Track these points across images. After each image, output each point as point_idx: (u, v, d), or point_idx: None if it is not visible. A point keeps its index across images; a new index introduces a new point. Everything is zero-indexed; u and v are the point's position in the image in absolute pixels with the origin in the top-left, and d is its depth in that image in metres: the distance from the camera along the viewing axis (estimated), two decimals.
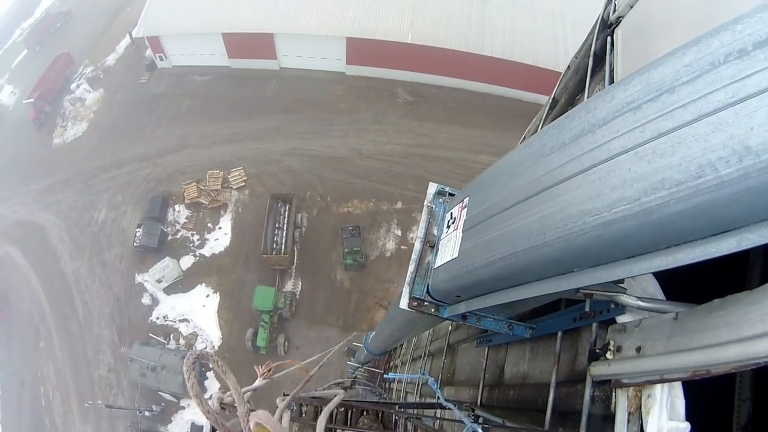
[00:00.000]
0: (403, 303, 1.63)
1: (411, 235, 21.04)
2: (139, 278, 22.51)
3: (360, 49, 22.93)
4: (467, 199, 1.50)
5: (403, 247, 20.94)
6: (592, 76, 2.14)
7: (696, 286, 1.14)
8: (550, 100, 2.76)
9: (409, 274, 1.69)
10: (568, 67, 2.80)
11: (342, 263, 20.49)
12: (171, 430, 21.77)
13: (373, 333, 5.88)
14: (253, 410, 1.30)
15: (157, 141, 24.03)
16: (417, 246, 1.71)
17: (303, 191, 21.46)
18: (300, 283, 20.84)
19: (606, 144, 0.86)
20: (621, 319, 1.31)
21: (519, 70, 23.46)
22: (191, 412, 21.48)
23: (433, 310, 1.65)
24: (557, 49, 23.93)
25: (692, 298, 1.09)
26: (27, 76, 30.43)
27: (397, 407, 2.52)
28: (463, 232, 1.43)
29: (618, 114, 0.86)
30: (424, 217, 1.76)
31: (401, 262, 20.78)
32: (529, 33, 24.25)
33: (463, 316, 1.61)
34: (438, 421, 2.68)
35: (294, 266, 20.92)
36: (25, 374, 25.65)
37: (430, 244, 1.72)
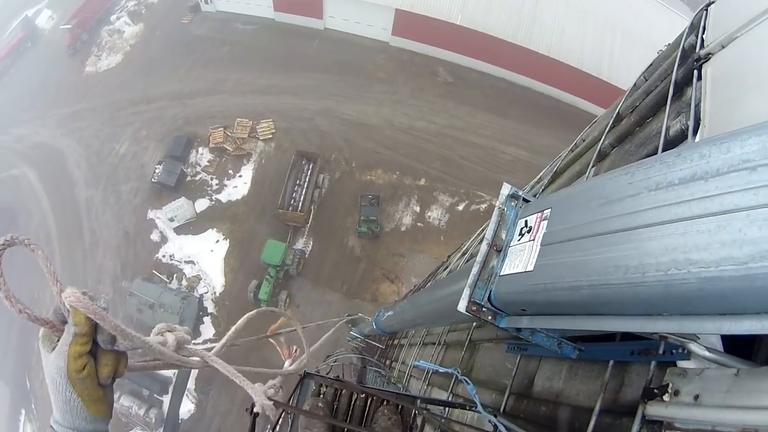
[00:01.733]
0: (462, 305, 1.57)
1: (429, 214, 20.82)
2: (151, 214, 22.40)
3: (407, 22, 22.69)
4: (549, 211, 1.43)
5: (419, 224, 20.71)
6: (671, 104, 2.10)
7: (755, 345, 1.13)
8: (614, 115, 2.66)
9: (471, 275, 1.61)
10: (635, 86, 2.77)
11: (356, 230, 20.30)
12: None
13: (390, 312, 5.61)
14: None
15: (190, 82, 23.88)
16: (483, 248, 1.63)
17: (329, 153, 21.26)
18: (311, 242, 20.66)
19: (719, 197, 0.84)
20: (683, 364, 1.29)
21: (562, 70, 23.18)
22: None
23: (490, 317, 1.60)
24: (603, 56, 23.65)
25: (750, 356, 1.09)
26: (67, 3, 30.36)
27: (419, 402, 2.40)
28: (541, 245, 1.37)
29: (733, 169, 0.84)
30: (494, 219, 1.69)
31: (415, 239, 20.57)
32: (577, 36, 23.93)
33: (517, 329, 1.58)
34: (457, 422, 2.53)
35: (308, 225, 20.74)
36: (21, 295, 25.34)
37: (497, 248, 1.64)
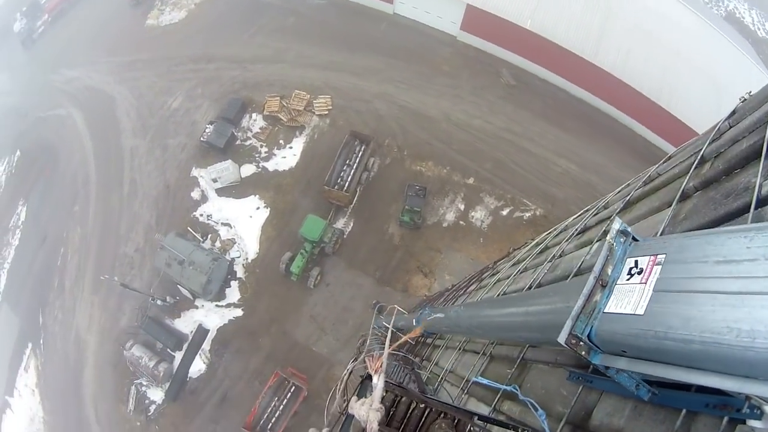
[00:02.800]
0: (562, 337, 1.57)
1: (472, 214, 20.61)
2: (195, 172, 22.46)
3: (477, 19, 22.53)
4: (663, 256, 1.45)
5: (461, 222, 20.51)
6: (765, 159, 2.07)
7: None
8: (699, 158, 2.62)
9: (576, 307, 1.60)
10: (718, 130, 2.71)
11: (398, 219, 20.14)
12: (177, 324, 21.69)
13: (440, 315, 5.39)
14: None
15: (253, 48, 23.93)
16: (590, 281, 1.63)
17: (383, 137, 21.14)
18: (352, 224, 20.55)
19: None
20: (753, 423, 1.32)
21: (623, 91, 22.90)
22: (202, 314, 21.39)
23: (584, 352, 1.59)
24: (664, 84, 23.32)
25: None
26: None
27: (476, 418, 2.31)
28: (654, 291, 1.38)
29: None
30: (603, 253, 1.66)
31: (455, 236, 20.37)
32: (642, 59, 23.62)
33: (606, 366, 1.59)
34: None
35: (351, 206, 20.63)
36: (50, 231, 25.87)
37: (603, 283, 1.63)
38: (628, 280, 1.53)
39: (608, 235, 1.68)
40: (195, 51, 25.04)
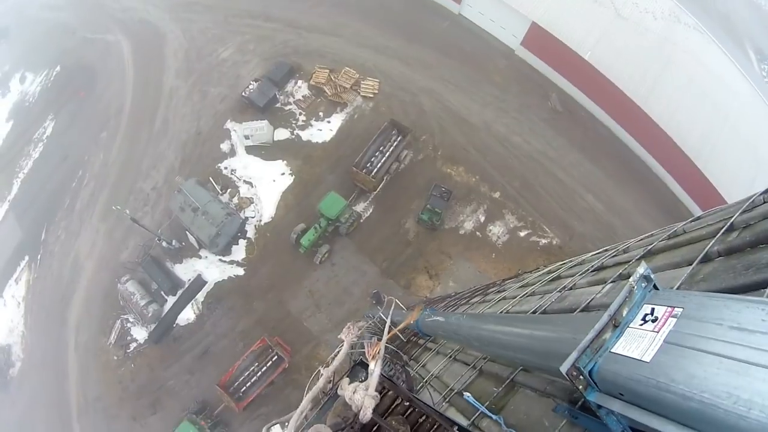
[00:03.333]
0: (565, 367, 1.57)
1: (491, 228, 20.51)
2: (229, 125, 22.49)
3: (539, 39, 22.45)
4: (680, 310, 1.47)
5: (478, 233, 20.42)
6: None
7: None
8: (728, 225, 2.63)
9: (584, 341, 1.60)
10: (753, 202, 2.74)
11: (417, 216, 20.09)
12: (176, 269, 21.71)
13: (440, 318, 5.33)
14: None
15: (313, 16, 23.94)
16: (604, 318, 1.64)
17: (420, 132, 21.09)
18: (371, 210, 20.50)
19: None
20: None
21: (665, 143, 22.74)
22: (203, 265, 21.40)
23: (582, 386, 1.59)
24: (706, 144, 23.17)
25: None
26: None
27: (456, 428, 2.31)
28: (665, 342, 1.40)
29: None
30: (622, 294, 1.67)
31: (468, 246, 20.28)
32: (690, 114, 23.47)
33: (598, 405, 1.59)
34: None
35: (375, 193, 20.58)
36: (72, 151, 25.96)
37: (615, 323, 1.63)
38: (641, 325, 1.54)
39: (631, 278, 1.68)
40: (255, 7, 25.07)
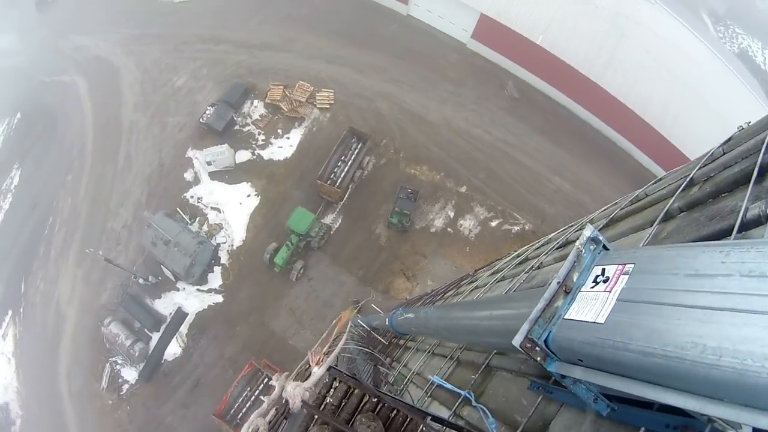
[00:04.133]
0: (518, 340, 1.53)
1: (461, 222, 20.51)
2: (190, 153, 22.35)
3: (489, 30, 22.52)
4: (631, 266, 1.41)
5: (449, 229, 20.41)
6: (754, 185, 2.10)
7: None
8: (687, 180, 2.62)
9: (534, 311, 1.56)
10: (711, 155, 2.74)
11: (387, 220, 20.06)
12: (156, 305, 21.55)
13: (411, 315, 5.36)
14: None
15: (261, 34, 23.86)
16: (552, 285, 1.59)
17: (381, 137, 21.06)
18: (340, 220, 20.44)
19: None
20: None
21: (626, 116, 22.87)
22: (182, 296, 21.25)
23: (540, 358, 1.56)
24: (668, 112, 23.32)
25: None
26: None
27: (429, 418, 2.32)
28: (618, 300, 1.35)
29: None
30: (570, 258, 1.62)
31: (441, 243, 20.26)
32: (648, 85, 23.61)
33: (562, 375, 1.54)
34: None
35: (341, 202, 20.53)
36: (40, 199, 25.72)
37: (566, 290, 1.59)
38: (592, 287, 1.49)
39: (577, 241, 1.62)
40: (204, 31, 24.96)
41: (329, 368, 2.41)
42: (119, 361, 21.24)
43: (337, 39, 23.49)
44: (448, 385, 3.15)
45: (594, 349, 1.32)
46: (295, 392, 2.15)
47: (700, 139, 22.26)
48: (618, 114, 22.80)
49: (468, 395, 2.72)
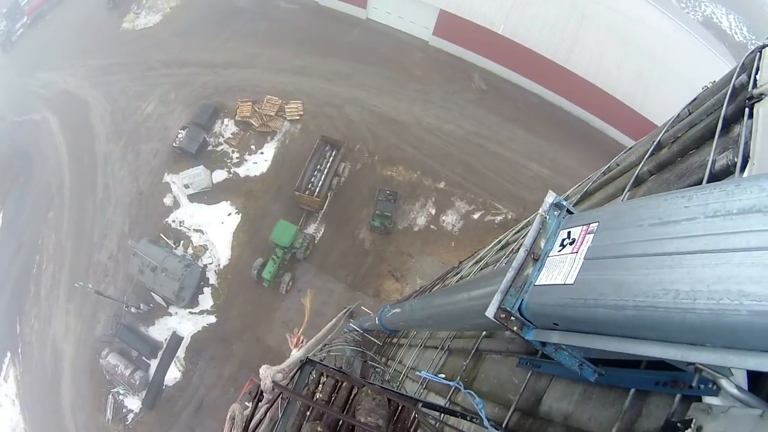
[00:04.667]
0: (491, 311, 1.52)
1: (444, 218, 20.68)
2: (167, 178, 22.36)
3: (450, 25, 22.61)
4: (596, 225, 1.41)
5: (432, 226, 20.58)
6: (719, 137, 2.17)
7: None
8: (655, 143, 2.66)
9: (504, 281, 1.55)
10: (678, 117, 2.77)
11: (369, 224, 20.18)
12: (151, 332, 21.62)
13: (397, 310, 5.46)
14: None
15: (225, 53, 23.84)
16: (520, 254, 1.58)
17: (354, 142, 21.15)
18: (323, 229, 20.56)
19: None
20: (709, 400, 1.23)
21: (596, 95, 23.06)
22: (176, 321, 21.34)
23: (516, 327, 1.55)
24: (638, 87, 23.52)
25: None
26: None
27: (419, 405, 2.37)
28: (585, 259, 1.34)
29: None
30: (534, 226, 1.63)
31: (426, 241, 20.43)
32: (615, 62, 23.80)
33: (542, 343, 1.54)
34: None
35: (322, 211, 20.64)
36: (25, 239, 25.67)
37: (535, 257, 1.59)
38: (560, 251, 1.48)
39: (541, 209, 1.65)
40: (169, 55, 24.91)
41: (315, 364, 2.39)
42: (121, 391, 21.33)
43: (300, 50, 23.52)
44: (438, 379, 3.26)
45: (566, 310, 1.31)
46: (266, 373, 2.14)
47: (671, 109, 22.36)
48: (588, 94, 22.99)
49: (457, 385, 2.78)
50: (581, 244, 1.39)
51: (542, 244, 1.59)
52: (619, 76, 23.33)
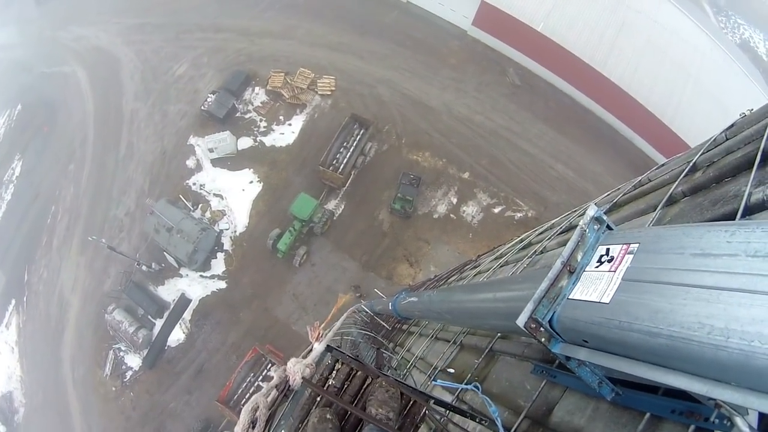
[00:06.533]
0: (521, 320, 1.49)
1: (464, 208, 20.57)
2: (192, 141, 22.37)
3: (490, 16, 22.48)
4: (636, 246, 1.39)
5: (452, 215, 20.47)
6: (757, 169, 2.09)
7: None
8: (691, 165, 2.61)
9: (539, 291, 1.52)
10: (714, 141, 2.71)
11: (390, 206, 20.11)
12: (160, 291, 21.64)
13: (414, 299, 5.35)
14: None
15: (262, 22, 23.81)
16: (557, 265, 1.56)
17: (383, 123, 21.07)
18: (343, 206, 20.49)
19: None
20: None
21: (628, 104, 22.87)
22: (185, 283, 21.34)
23: (544, 339, 1.53)
24: (670, 101, 23.31)
25: None
26: None
27: (432, 401, 2.31)
28: (623, 279, 1.32)
29: None
30: (574, 238, 1.60)
31: (444, 229, 20.34)
32: (650, 73, 23.58)
33: (567, 357, 1.51)
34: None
35: (344, 189, 20.57)
36: (42, 189, 25.76)
37: (570, 269, 1.56)
38: (597, 267, 1.47)
39: (581, 221, 1.59)
40: (205, 19, 24.90)
41: (331, 350, 2.38)
42: (123, 348, 21.36)
43: (338, 26, 23.45)
44: (454, 385, 3.17)
45: (599, 329, 1.30)
46: (296, 368, 2.08)
47: (701, 127, 22.25)
48: (621, 103, 22.81)
49: (474, 388, 2.69)
50: (620, 263, 1.38)
51: (579, 257, 1.56)
52: (652, 87, 23.13)
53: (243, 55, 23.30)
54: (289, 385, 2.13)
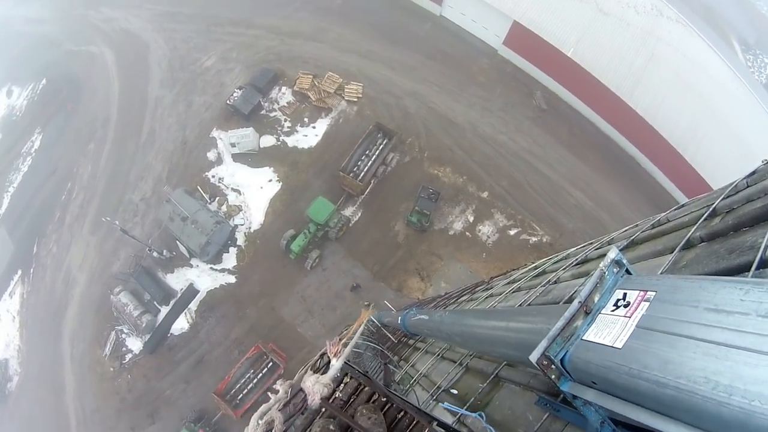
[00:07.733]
0: (534, 356, 1.51)
1: (480, 227, 20.59)
2: (215, 134, 22.46)
3: (521, 37, 22.51)
4: (653, 294, 1.42)
5: (467, 233, 20.50)
6: None
7: None
8: (710, 210, 2.61)
9: (554, 328, 1.54)
10: (735, 187, 2.71)
11: (406, 218, 20.15)
12: (168, 279, 21.73)
13: (424, 317, 5.37)
14: None
15: (295, 22, 23.89)
16: (574, 305, 1.58)
17: (406, 135, 21.13)
18: (360, 214, 20.55)
19: None
20: None
21: (651, 137, 22.85)
22: (195, 273, 21.43)
23: (554, 376, 1.54)
24: (694, 137, 23.27)
25: None
26: None
27: (435, 424, 2.30)
28: (637, 326, 1.35)
29: None
30: (593, 279, 1.61)
31: (458, 246, 20.36)
32: (676, 108, 23.55)
33: (573, 395, 1.53)
34: None
35: (362, 196, 20.63)
36: (60, 165, 25.90)
37: (587, 310, 1.58)
38: (613, 311, 1.49)
39: (602, 263, 1.61)
40: (237, 14, 25.00)
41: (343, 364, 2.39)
42: (125, 331, 21.45)
43: (370, 34, 23.52)
44: (460, 410, 3.19)
45: (609, 373, 1.31)
46: (315, 389, 2.09)
47: (723, 167, 22.24)
48: (643, 134, 22.79)
49: (479, 417, 2.71)
50: (635, 309, 1.40)
51: (596, 299, 1.58)
52: (677, 122, 23.10)
53: (272, 54, 23.39)
54: (307, 404, 2.15)
